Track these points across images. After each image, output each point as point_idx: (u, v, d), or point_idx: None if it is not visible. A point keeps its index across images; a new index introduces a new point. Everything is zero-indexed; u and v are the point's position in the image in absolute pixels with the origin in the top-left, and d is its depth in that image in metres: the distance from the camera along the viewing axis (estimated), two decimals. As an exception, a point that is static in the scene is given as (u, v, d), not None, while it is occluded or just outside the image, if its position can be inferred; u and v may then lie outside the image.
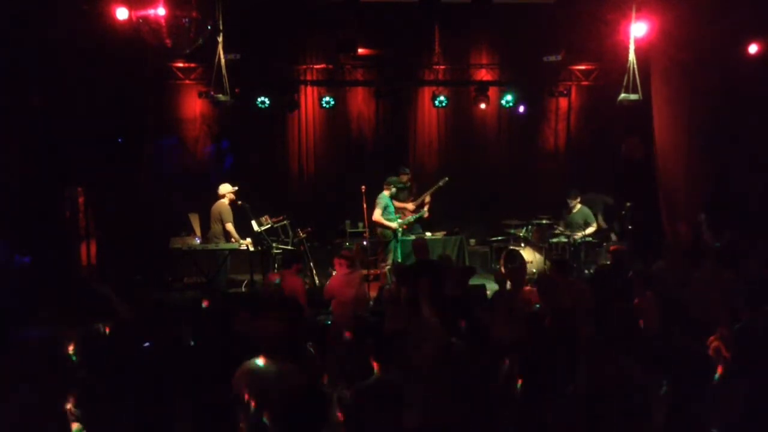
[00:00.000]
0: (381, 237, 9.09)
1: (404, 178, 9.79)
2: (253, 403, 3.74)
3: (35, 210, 7.39)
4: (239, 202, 8.80)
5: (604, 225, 9.87)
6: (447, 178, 9.85)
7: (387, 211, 9.03)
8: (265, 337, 4.03)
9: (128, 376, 4.27)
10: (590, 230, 9.33)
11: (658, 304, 5.41)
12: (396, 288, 6.40)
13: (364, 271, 7.57)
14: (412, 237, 9.56)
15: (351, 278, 6.59)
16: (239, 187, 8.95)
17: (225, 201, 8.75)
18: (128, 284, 7.72)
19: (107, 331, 4.95)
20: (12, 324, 5.53)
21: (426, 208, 9.71)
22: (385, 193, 9.09)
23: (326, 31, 10.43)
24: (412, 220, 9.50)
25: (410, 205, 9.70)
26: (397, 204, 9.60)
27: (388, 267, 8.81)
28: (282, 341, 4.07)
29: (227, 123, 11.06)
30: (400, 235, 9.15)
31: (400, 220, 9.21)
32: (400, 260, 8.90)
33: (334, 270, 6.95)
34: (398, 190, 9.61)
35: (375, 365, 3.99)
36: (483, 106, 10.99)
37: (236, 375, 3.87)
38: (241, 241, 8.60)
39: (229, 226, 8.58)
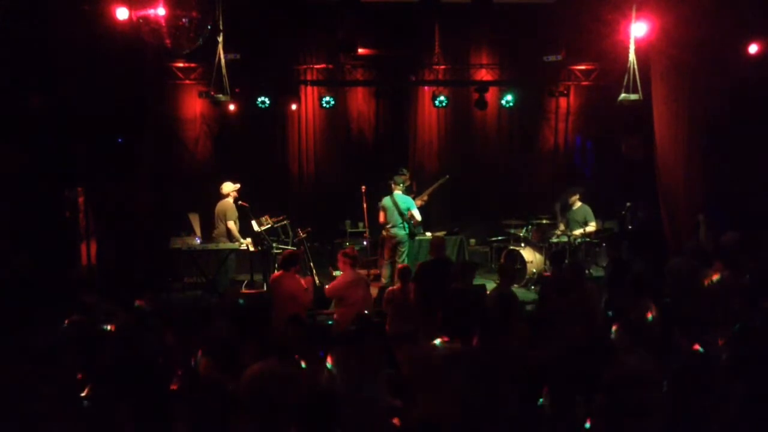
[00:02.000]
0: (413, 234, 8.97)
1: (406, 180, 9.78)
2: (261, 407, 3.74)
3: (35, 210, 7.39)
4: (240, 202, 8.81)
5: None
6: (447, 176, 9.84)
7: None
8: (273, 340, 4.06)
9: (127, 377, 4.27)
10: (589, 229, 9.32)
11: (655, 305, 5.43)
12: (401, 290, 6.41)
13: (364, 271, 7.56)
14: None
15: (359, 279, 6.55)
16: (240, 187, 8.96)
17: (230, 200, 8.76)
18: (128, 284, 7.72)
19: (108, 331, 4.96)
20: (13, 324, 5.55)
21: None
22: (399, 192, 8.97)
23: (326, 31, 10.42)
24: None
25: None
26: None
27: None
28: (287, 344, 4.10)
29: (227, 123, 11.07)
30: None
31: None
32: (407, 261, 8.87)
33: (337, 269, 6.90)
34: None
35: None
36: (483, 106, 10.99)
37: (243, 379, 3.87)
38: (242, 241, 8.60)
39: (231, 224, 8.57)
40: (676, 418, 3.84)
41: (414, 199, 9.68)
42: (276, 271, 6.75)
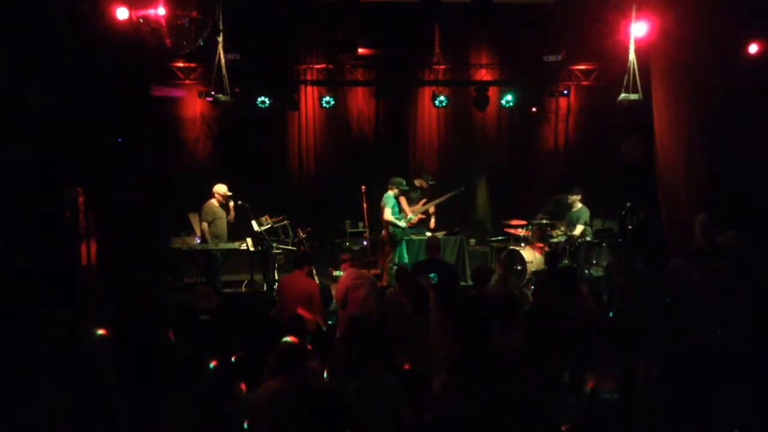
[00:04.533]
0: (392, 236, 8.99)
1: (424, 184, 9.75)
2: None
3: (35, 210, 7.38)
4: (239, 202, 8.80)
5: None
6: (462, 188, 9.84)
7: (394, 210, 8.97)
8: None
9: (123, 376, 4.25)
10: (575, 232, 9.31)
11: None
12: (399, 291, 6.38)
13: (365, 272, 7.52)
14: (412, 237, 9.56)
15: (361, 279, 6.46)
16: (240, 186, 8.96)
17: (213, 201, 8.74)
18: (129, 284, 7.72)
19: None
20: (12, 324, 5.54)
21: (432, 219, 9.58)
22: (390, 193, 9.01)
23: (326, 31, 10.43)
24: (415, 216, 9.39)
25: (417, 207, 9.61)
26: (407, 207, 9.54)
27: (394, 267, 8.78)
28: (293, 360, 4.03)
29: (227, 123, 11.07)
30: (405, 235, 9.08)
31: (407, 218, 9.10)
32: (406, 260, 8.86)
33: (337, 269, 6.87)
34: (406, 192, 9.43)
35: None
36: (482, 107, 10.98)
37: (258, 402, 3.77)
38: (211, 243, 8.59)
39: (204, 226, 8.62)
40: (675, 419, 3.84)
41: (425, 203, 9.67)
42: (291, 270, 6.62)
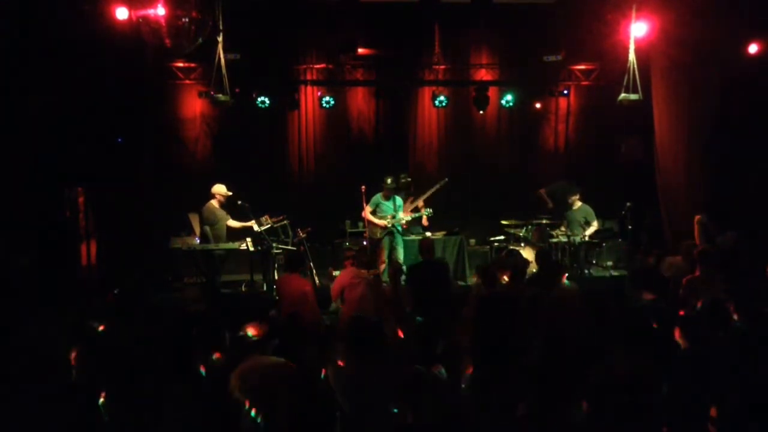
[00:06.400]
0: (370, 235, 9.02)
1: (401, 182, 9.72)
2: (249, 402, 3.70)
3: (35, 210, 7.39)
4: (239, 202, 8.80)
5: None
6: (446, 180, 9.79)
7: (379, 209, 8.95)
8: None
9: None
10: (591, 230, 9.27)
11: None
12: (392, 288, 6.39)
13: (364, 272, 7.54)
14: (413, 237, 9.54)
15: (359, 278, 6.48)
16: (239, 186, 8.96)
17: (214, 202, 8.71)
18: (128, 284, 7.71)
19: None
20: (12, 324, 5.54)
21: (423, 213, 9.51)
22: (380, 194, 9.03)
23: (326, 31, 10.44)
24: (409, 219, 9.33)
25: (407, 205, 9.58)
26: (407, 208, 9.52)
27: (383, 266, 8.77)
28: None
29: (227, 123, 11.07)
30: (397, 234, 9.04)
31: (399, 217, 9.03)
32: (402, 260, 8.85)
33: (337, 268, 6.89)
34: (395, 190, 9.34)
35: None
36: (482, 107, 10.98)
37: (234, 376, 3.82)
38: (230, 244, 8.59)
39: (207, 229, 8.59)
40: (675, 419, 3.84)
41: (413, 201, 9.65)
42: (283, 272, 6.71)
